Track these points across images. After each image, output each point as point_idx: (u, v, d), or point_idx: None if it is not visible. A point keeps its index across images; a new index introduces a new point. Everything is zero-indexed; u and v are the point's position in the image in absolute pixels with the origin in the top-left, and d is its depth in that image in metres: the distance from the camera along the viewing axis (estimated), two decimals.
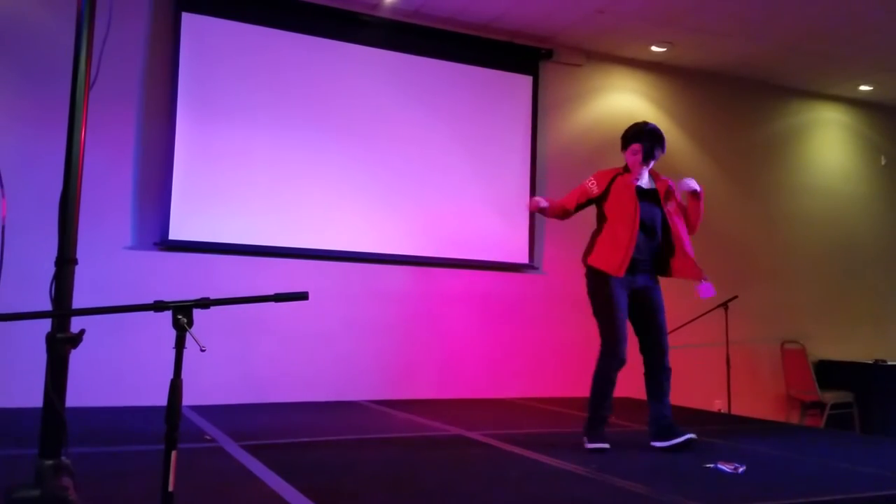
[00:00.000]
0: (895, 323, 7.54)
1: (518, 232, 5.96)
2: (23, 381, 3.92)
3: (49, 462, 2.18)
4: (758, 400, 6.71)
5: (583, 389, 5.93)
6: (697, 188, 3.71)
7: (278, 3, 5.28)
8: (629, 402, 5.15)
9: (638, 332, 3.72)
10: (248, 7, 5.17)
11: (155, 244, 4.85)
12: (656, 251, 3.70)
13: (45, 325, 2.20)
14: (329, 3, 5.38)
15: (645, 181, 3.73)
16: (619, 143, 3.82)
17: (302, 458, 3.23)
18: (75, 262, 2.30)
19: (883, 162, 7.67)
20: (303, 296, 1.93)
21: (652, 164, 3.73)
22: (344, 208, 5.36)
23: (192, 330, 1.82)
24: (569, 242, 5.84)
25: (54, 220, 2.31)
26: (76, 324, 2.27)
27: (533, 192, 5.99)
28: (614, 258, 3.57)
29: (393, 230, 5.51)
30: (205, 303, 1.89)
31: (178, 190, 4.88)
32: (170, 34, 5.01)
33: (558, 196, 3.94)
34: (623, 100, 6.51)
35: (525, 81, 6.09)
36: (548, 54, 6.17)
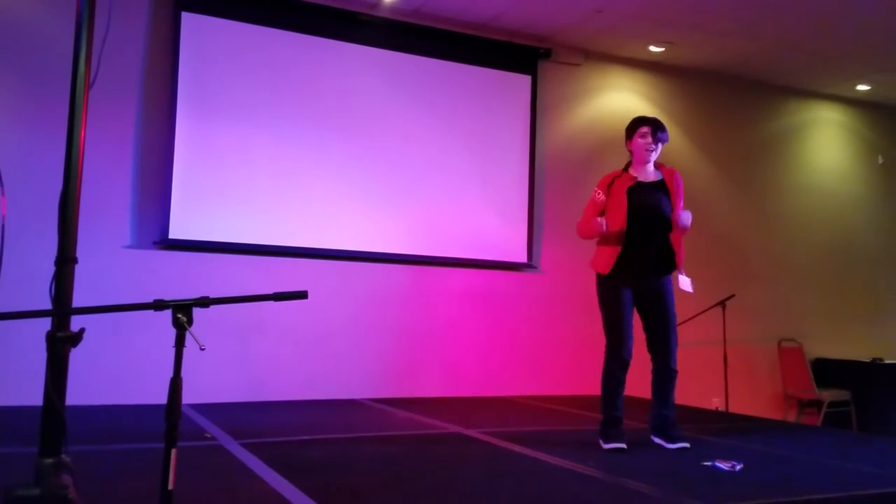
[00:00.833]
0: (892, 321, 7.55)
1: (516, 231, 5.97)
2: (23, 379, 3.91)
3: (49, 460, 2.18)
4: (755, 398, 6.73)
5: (582, 387, 6.02)
6: (688, 224, 3.60)
7: (278, 2, 5.28)
8: (629, 402, 5.14)
9: (646, 332, 3.74)
10: (248, 6, 5.17)
11: (155, 243, 4.86)
12: (665, 245, 3.64)
13: (45, 323, 2.20)
14: (329, 3, 5.39)
15: (651, 173, 3.72)
16: (617, 142, 3.84)
17: (302, 456, 3.24)
18: (75, 261, 2.30)
19: (880, 161, 7.68)
20: (302, 295, 1.93)
21: (659, 147, 3.68)
22: (343, 207, 5.37)
23: (192, 329, 1.83)
24: (567, 242, 5.87)
25: (54, 220, 2.31)
26: (76, 322, 2.27)
27: (531, 192, 6.00)
28: (604, 258, 3.62)
29: (392, 229, 5.52)
30: (204, 301, 1.89)
31: (177, 189, 4.89)
32: (169, 33, 5.01)
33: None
34: (622, 99, 6.52)
35: (524, 81, 6.09)
36: (546, 54, 6.17)
